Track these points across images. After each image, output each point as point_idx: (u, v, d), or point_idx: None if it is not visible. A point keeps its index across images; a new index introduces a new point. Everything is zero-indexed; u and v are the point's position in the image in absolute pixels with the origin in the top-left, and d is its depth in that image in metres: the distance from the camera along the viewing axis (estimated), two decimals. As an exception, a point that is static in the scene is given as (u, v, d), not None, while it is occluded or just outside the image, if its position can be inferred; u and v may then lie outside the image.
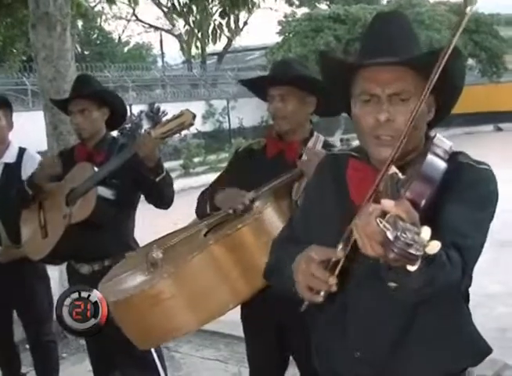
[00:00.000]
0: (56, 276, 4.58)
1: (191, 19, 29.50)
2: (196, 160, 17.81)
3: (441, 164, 1.50)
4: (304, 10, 24.46)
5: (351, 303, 1.73)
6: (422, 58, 1.59)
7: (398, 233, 1.19)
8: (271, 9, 49.22)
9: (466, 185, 1.58)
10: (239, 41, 33.36)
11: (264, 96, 2.82)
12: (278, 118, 2.73)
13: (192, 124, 2.86)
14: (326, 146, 2.75)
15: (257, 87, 2.86)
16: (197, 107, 18.68)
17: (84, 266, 3.26)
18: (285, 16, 24.23)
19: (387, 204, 1.28)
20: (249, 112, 22.14)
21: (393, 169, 1.51)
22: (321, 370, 1.90)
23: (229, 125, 22.68)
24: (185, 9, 29.30)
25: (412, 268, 1.23)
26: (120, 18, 33.21)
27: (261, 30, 52.37)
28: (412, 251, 1.18)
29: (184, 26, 30.14)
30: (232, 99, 22.76)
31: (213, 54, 31.95)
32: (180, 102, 19.03)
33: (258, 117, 22.53)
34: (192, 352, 4.72)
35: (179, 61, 33.77)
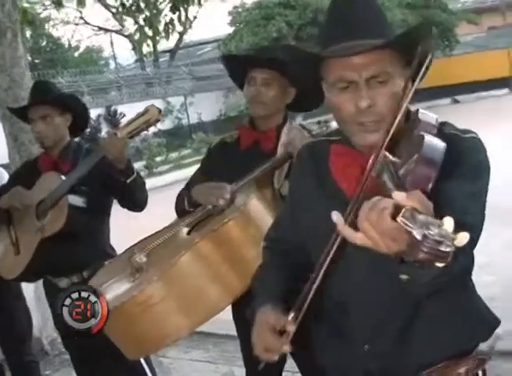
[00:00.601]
0: (31, 290, 4.44)
1: (141, 17, 29.18)
2: (158, 159, 17.73)
3: (441, 144, 1.40)
4: (254, -1, 24.33)
5: (354, 296, 1.65)
6: (401, 39, 1.49)
7: (426, 232, 1.08)
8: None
9: (454, 158, 1.48)
10: (191, 36, 33.19)
11: (238, 78, 2.71)
12: (256, 102, 2.63)
13: (158, 120, 2.79)
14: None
15: (236, 66, 2.73)
16: (155, 106, 18.47)
17: (62, 280, 3.13)
18: (235, 7, 24.11)
19: (399, 196, 1.17)
20: (207, 106, 22.09)
21: (382, 152, 1.42)
22: (327, 366, 1.82)
23: (188, 121, 22.54)
24: (133, 7, 28.97)
25: (441, 264, 1.12)
26: (68, 23, 32.73)
27: (211, 23, 52.33)
28: (442, 248, 1.08)
29: (134, 24, 29.85)
30: (190, 95, 22.62)
31: (165, 51, 31.67)
32: (136, 102, 18.81)
33: (217, 110, 22.49)
34: (181, 354, 4.61)
35: (131, 61, 33.48)
